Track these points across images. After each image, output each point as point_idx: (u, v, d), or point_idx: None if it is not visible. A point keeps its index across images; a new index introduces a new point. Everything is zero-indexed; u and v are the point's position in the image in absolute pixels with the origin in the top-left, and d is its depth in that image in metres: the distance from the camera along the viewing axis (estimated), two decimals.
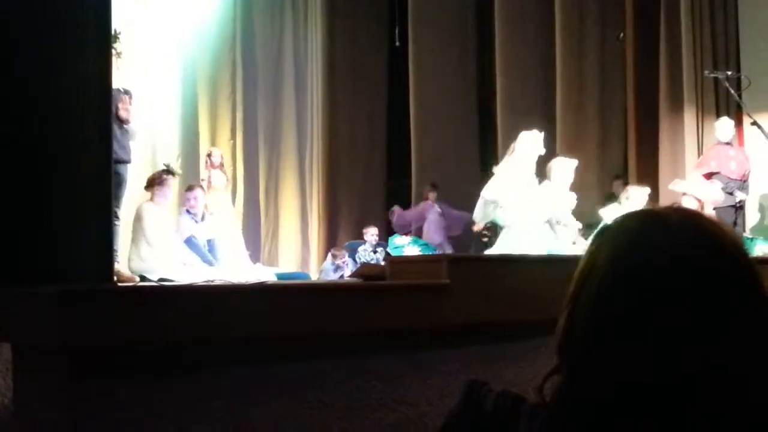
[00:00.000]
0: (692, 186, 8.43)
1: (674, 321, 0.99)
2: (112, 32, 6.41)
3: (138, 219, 7.66)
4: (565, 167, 7.90)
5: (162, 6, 11.52)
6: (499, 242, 7.69)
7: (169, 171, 8.08)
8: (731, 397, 0.98)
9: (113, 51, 6.48)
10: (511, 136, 11.30)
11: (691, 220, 1.08)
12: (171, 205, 8.76)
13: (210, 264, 8.28)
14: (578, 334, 1.06)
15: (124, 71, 7.05)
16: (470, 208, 12.61)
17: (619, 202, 8.18)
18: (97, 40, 3.48)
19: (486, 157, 12.56)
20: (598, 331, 1.04)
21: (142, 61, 10.16)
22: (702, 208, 8.39)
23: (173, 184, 8.16)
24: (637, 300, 1.01)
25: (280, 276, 8.69)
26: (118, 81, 6.33)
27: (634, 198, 8.04)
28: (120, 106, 6.93)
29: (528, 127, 7.75)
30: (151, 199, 7.87)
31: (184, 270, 7.62)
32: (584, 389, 1.04)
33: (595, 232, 1.16)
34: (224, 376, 2.93)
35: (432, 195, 11.79)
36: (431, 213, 11.67)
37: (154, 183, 7.91)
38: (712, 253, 1.03)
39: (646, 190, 8.25)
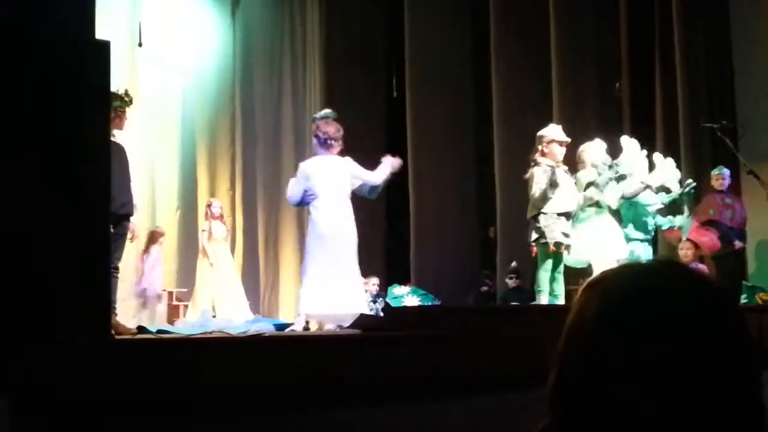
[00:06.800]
0: (690, 234, 8.37)
1: (663, 378, 0.99)
2: (122, 93, 6.48)
3: None
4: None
5: (161, 57, 11.62)
6: (573, 253, 6.98)
7: None
8: None
9: (125, 101, 6.52)
10: (510, 185, 11.38)
11: (679, 274, 1.08)
12: None
13: None
14: (568, 391, 1.06)
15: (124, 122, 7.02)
16: (471, 267, 12.61)
17: (610, 166, 7.53)
18: (96, 97, 3.52)
19: (484, 206, 12.57)
20: (586, 387, 1.03)
21: (142, 112, 10.22)
22: (700, 255, 8.38)
23: None
24: (625, 356, 1.01)
25: (279, 326, 8.63)
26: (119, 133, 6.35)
27: (628, 147, 7.85)
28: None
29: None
30: None
31: None
32: None
33: (584, 285, 1.16)
34: (216, 426, 2.91)
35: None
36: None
37: None
38: (698, 306, 1.03)
39: (634, 141, 7.97)
